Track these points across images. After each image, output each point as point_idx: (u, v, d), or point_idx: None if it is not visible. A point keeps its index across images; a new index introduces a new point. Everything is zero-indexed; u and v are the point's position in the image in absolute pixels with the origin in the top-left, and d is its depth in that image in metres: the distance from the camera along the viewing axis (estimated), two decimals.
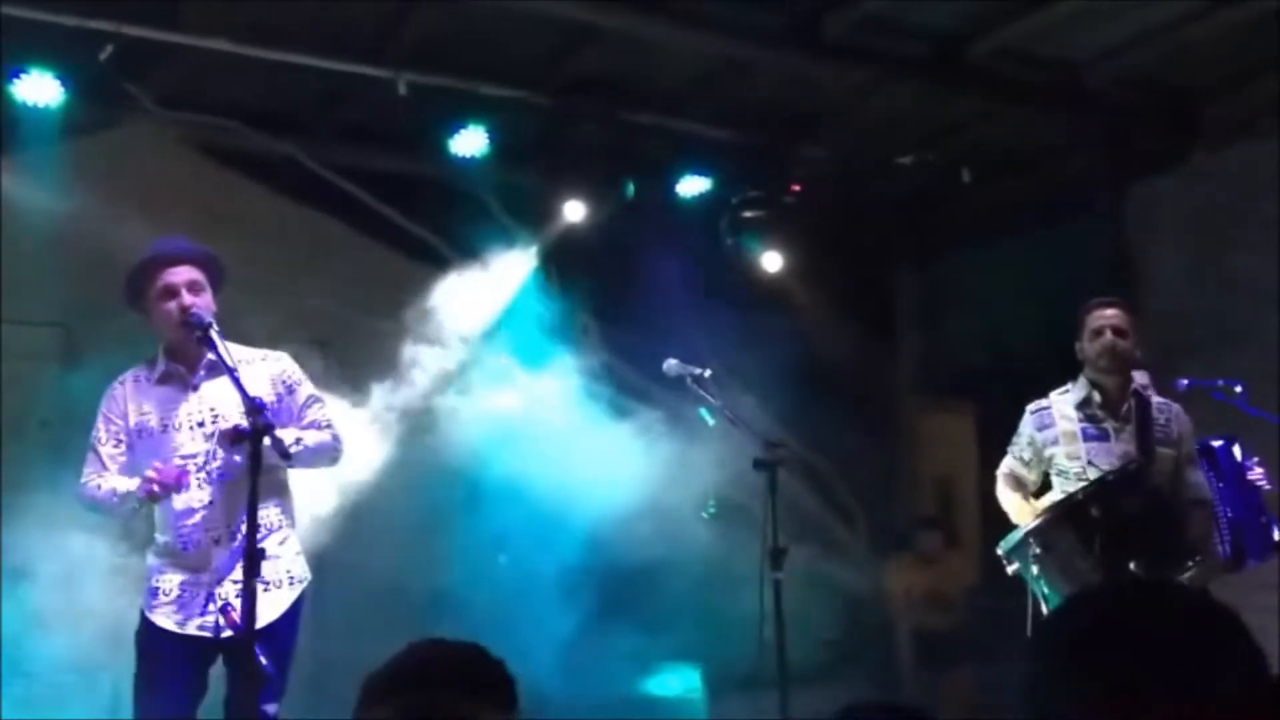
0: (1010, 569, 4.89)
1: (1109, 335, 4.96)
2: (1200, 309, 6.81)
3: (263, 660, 3.57)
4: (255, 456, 3.61)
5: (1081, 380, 5.06)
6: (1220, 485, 5.18)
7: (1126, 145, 7.11)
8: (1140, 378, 5.53)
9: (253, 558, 3.54)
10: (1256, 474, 5.51)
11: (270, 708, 3.89)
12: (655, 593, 6.73)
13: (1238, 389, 5.52)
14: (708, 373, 5.01)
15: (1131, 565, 4.60)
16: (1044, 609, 4.69)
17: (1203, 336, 6.55)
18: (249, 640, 3.53)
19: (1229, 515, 5.13)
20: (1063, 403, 5.05)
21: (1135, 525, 4.67)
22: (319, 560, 4.65)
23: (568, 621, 6.41)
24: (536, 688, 2.64)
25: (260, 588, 3.80)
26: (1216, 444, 5.34)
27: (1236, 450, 5.35)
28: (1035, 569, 4.64)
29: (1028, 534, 4.70)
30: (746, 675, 4.76)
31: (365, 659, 2.07)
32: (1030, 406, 5.13)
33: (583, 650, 6.34)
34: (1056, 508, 4.78)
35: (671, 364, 5.06)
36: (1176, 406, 5.17)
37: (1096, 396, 5.01)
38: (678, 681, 7.10)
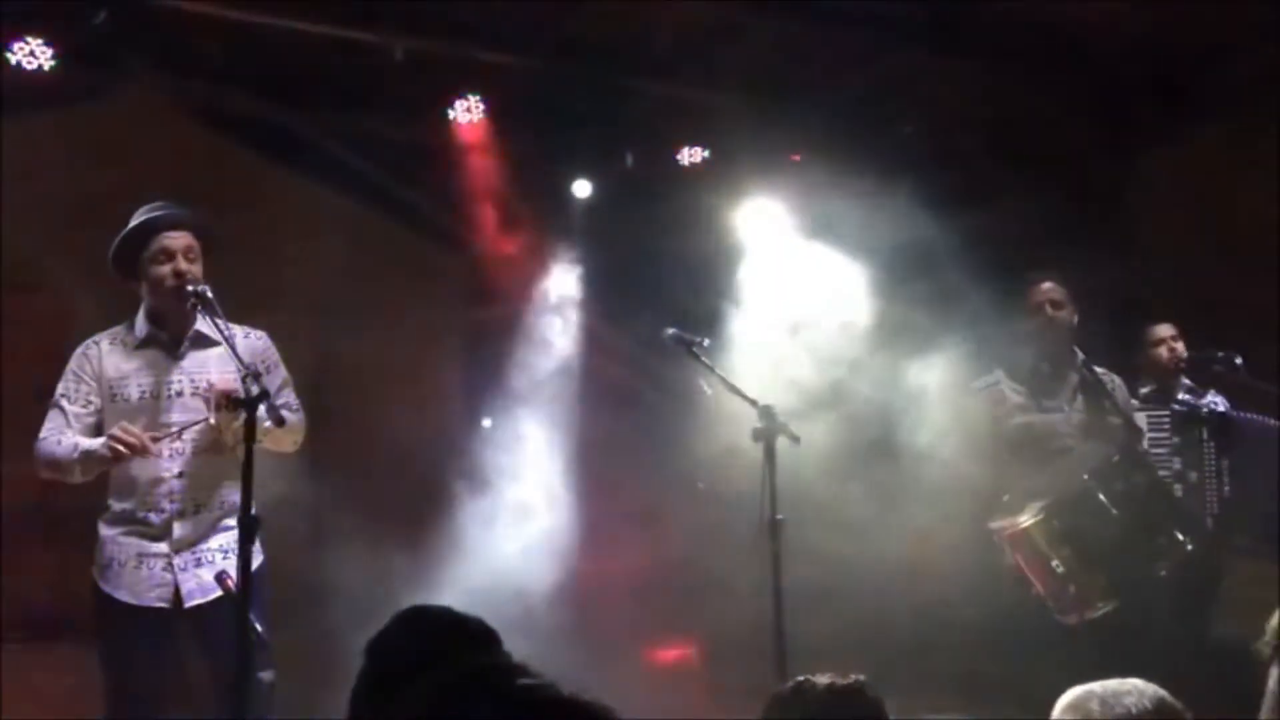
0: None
1: (1047, 310, 5.00)
2: (1200, 278, 6.79)
3: (258, 627, 3.56)
4: (250, 422, 3.60)
5: (1027, 355, 5.07)
6: (1222, 461, 5.18)
7: (1127, 112, 7.08)
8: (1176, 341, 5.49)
9: (248, 524, 3.53)
10: None
11: (266, 674, 3.88)
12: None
13: (1238, 360, 5.52)
14: (706, 341, 4.99)
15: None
16: (1070, 574, 4.67)
17: (1208, 306, 6.53)
18: (244, 606, 3.53)
19: (1223, 494, 5.15)
20: (1010, 378, 5.06)
21: (1142, 501, 4.68)
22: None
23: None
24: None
25: (222, 556, 3.82)
26: (1243, 416, 5.31)
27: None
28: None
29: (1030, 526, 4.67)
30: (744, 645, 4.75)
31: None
32: (977, 383, 5.15)
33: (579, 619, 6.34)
34: (1061, 500, 4.75)
35: (670, 332, 5.04)
36: (1117, 377, 5.19)
37: (1044, 368, 5.02)
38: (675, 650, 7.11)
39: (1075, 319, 5.08)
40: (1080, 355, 5.08)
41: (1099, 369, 5.11)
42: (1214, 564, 5.29)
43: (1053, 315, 5.02)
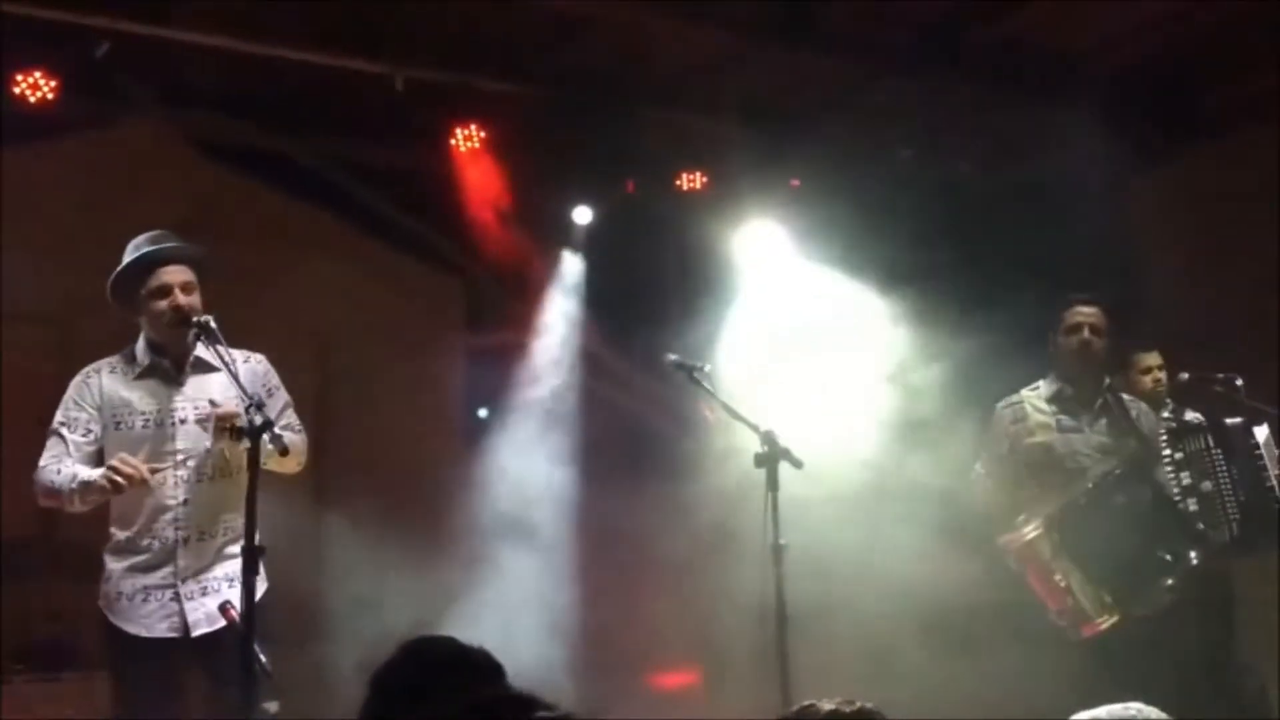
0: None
1: (1085, 333, 4.97)
2: (1202, 299, 6.79)
3: (263, 657, 3.53)
4: (254, 451, 3.59)
5: (1051, 376, 5.06)
6: (1231, 467, 5.10)
7: (1126, 134, 7.10)
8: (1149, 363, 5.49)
9: (251, 553, 3.51)
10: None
11: (271, 705, 3.85)
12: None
13: (1238, 382, 5.49)
14: (707, 366, 4.99)
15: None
16: (1072, 586, 4.67)
17: (1204, 327, 6.53)
18: (249, 636, 3.51)
19: (1240, 499, 5.05)
20: (1034, 397, 5.06)
21: (1147, 515, 4.68)
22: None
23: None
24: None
25: (227, 584, 3.81)
26: (1232, 422, 5.24)
27: (1259, 432, 5.24)
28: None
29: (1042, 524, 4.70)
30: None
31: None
32: (1001, 403, 5.14)
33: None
34: (1063, 512, 4.77)
35: (671, 358, 5.04)
36: (1143, 404, 5.17)
37: (1068, 390, 5.01)
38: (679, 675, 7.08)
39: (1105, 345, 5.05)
40: (1107, 379, 5.07)
41: (1126, 396, 5.10)
42: (1227, 581, 5.26)
43: (1088, 339, 4.97)
